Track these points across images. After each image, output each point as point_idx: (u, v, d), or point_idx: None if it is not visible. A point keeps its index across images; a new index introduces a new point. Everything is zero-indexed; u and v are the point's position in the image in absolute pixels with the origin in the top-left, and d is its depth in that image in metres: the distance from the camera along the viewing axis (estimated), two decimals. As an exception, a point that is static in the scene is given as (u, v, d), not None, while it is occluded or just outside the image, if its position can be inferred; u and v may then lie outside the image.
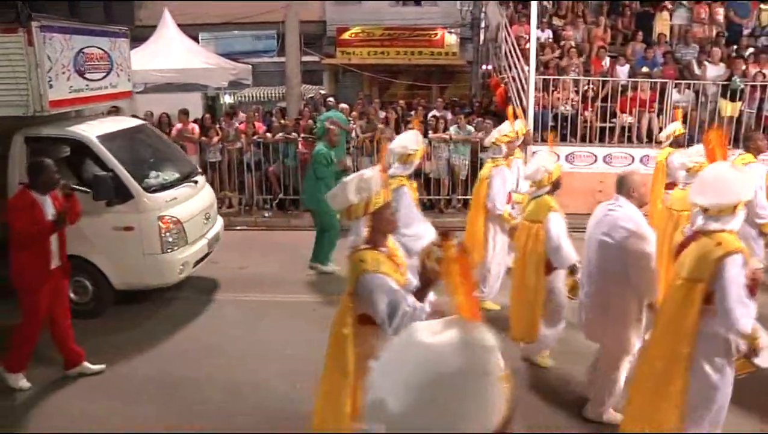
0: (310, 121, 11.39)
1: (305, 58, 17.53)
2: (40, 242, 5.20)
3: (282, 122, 11.88)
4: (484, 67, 17.16)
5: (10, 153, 6.67)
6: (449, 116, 12.15)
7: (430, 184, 11.15)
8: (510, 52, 12.33)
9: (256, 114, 12.40)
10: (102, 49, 7.32)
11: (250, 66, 15.84)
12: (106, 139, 6.84)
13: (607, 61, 12.16)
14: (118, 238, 6.59)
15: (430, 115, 12.21)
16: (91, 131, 6.85)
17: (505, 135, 6.77)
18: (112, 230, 6.56)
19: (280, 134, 11.12)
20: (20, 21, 6.12)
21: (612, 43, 13.31)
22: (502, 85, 12.79)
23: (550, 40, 13.00)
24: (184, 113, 11.37)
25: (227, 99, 18.47)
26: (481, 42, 18.29)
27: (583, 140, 11.07)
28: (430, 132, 11.07)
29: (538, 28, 11.36)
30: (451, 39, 20.04)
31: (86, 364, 5.68)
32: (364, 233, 3.47)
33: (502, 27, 13.31)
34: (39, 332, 5.36)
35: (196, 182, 7.64)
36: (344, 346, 3.43)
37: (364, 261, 3.36)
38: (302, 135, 11.03)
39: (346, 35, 20.26)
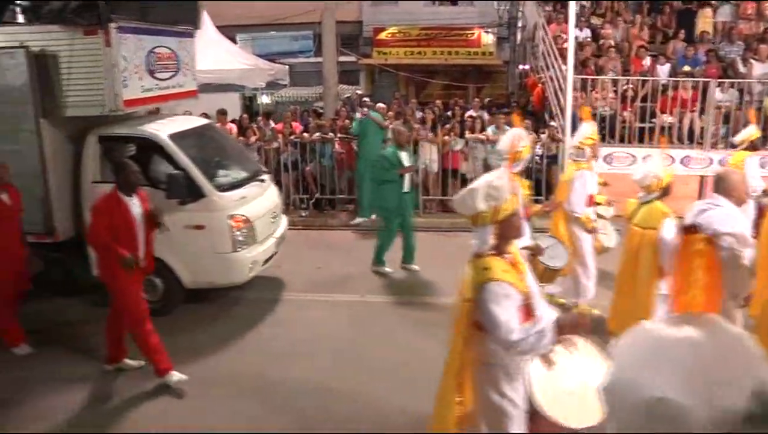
0: (347, 121, 11.45)
1: (342, 59, 17.64)
2: (127, 242, 5.18)
3: (318, 122, 11.97)
4: (521, 67, 17.05)
5: (84, 152, 6.76)
6: (486, 116, 12.10)
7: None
8: (547, 51, 12.23)
9: (293, 114, 12.51)
10: (170, 49, 7.43)
11: (287, 66, 15.98)
12: (177, 138, 6.88)
13: (647, 61, 11.98)
14: (189, 236, 6.60)
15: (466, 115, 12.16)
16: (162, 130, 6.91)
17: (589, 138, 6.60)
18: (183, 229, 6.52)
19: (317, 134, 11.20)
20: (101, 23, 6.23)
21: (652, 42, 13.11)
22: (540, 85, 12.69)
23: (589, 39, 12.86)
24: (222, 113, 11.52)
25: (264, 99, 18.67)
26: (518, 42, 18.17)
27: (621, 140, 10.91)
28: (466, 132, 11.04)
29: (576, 27, 11.23)
30: (488, 39, 19.97)
31: (127, 361, 5.71)
32: (488, 239, 3.31)
33: (540, 26, 13.20)
34: (150, 324, 5.33)
35: (263, 180, 7.62)
36: (460, 351, 3.38)
37: (488, 269, 3.24)
38: (339, 135, 11.09)
39: (382, 35, 20.33)
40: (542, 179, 10.63)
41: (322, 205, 11.35)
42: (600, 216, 6.27)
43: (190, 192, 6.52)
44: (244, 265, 6.80)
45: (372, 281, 7.99)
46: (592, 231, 6.18)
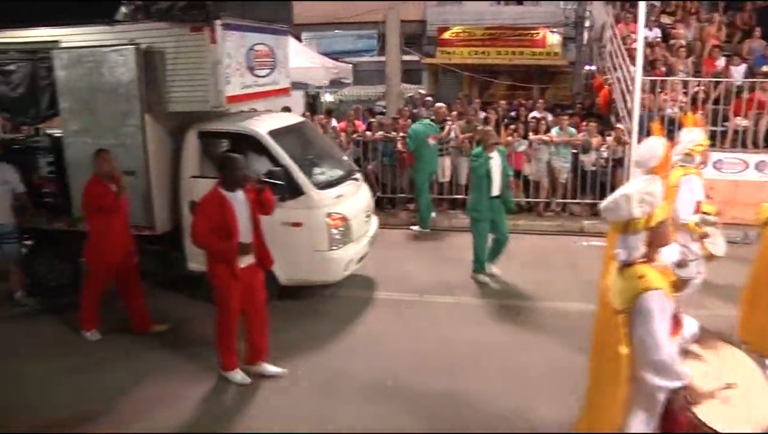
0: (409, 120, 11.48)
1: (405, 58, 17.69)
2: (228, 241, 5.11)
3: (381, 120, 12.04)
4: (587, 67, 16.74)
5: (184, 147, 6.89)
6: (550, 117, 11.94)
7: (529, 186, 11.00)
8: (615, 52, 11.98)
9: (356, 113, 12.63)
10: (268, 47, 7.50)
11: (351, 65, 16.13)
12: (276, 134, 6.92)
13: (721, 61, 11.57)
14: (287, 233, 6.54)
15: (530, 116, 12.04)
16: (261, 126, 6.98)
17: (700, 144, 6.30)
18: (280, 226, 6.42)
19: (380, 133, 11.28)
20: (209, 20, 6.35)
21: (728, 41, 12.63)
22: (606, 86, 12.44)
23: (659, 39, 12.51)
24: (286, 110, 11.72)
25: (328, 97, 18.88)
26: (584, 42, 17.86)
27: (691, 143, 10.57)
28: (530, 134, 10.93)
29: (645, 26, 10.95)
30: (554, 39, 19.69)
31: (265, 365, 5.60)
32: (639, 246, 3.22)
33: (608, 26, 12.94)
34: (236, 328, 5.37)
35: (357, 179, 7.66)
36: (620, 366, 3.21)
37: (644, 277, 3.14)
38: (401, 134, 11.13)
39: (446, 35, 20.31)
40: (607, 182, 10.42)
41: (383, 204, 11.43)
42: (708, 223, 6.01)
43: (290, 189, 6.54)
44: (340, 263, 6.81)
45: (457, 282, 7.87)
46: (701, 238, 5.90)
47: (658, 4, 13.64)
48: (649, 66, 11.31)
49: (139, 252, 6.55)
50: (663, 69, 11.34)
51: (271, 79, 7.64)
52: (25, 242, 7.64)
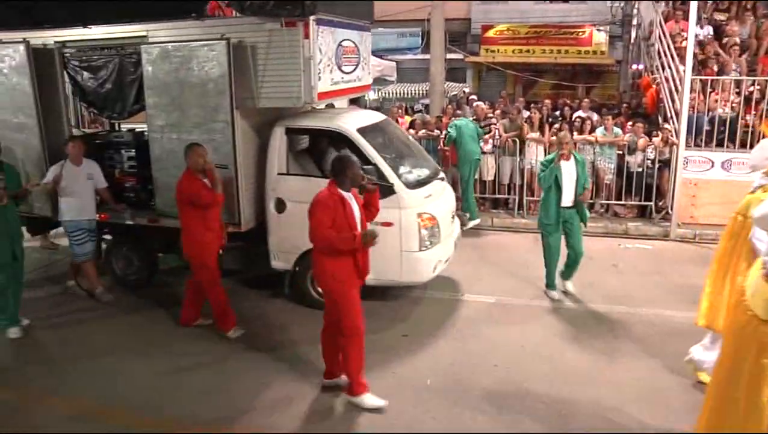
0: (453, 119, 11.46)
1: (449, 56, 17.66)
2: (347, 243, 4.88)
3: (424, 119, 12.04)
4: (634, 66, 16.44)
5: (270, 143, 6.82)
6: (595, 116, 11.78)
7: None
8: (664, 50, 11.74)
9: (399, 110, 12.66)
10: (353, 43, 7.40)
11: (395, 63, 16.16)
12: (363, 132, 6.82)
13: (777, 60, 11.24)
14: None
15: (575, 116, 11.89)
16: (349, 123, 6.88)
17: None
18: (370, 225, 6.04)
19: (423, 131, 11.30)
20: (305, 14, 6.24)
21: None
22: (654, 86, 12.20)
23: (710, 36, 12.21)
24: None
25: (371, 95, 18.95)
26: (631, 40, 17.53)
27: (742, 146, 10.31)
28: (575, 133, 10.80)
29: (696, 24, 10.70)
30: (600, 37, 19.38)
31: (344, 377, 5.26)
32: None
33: (656, 24, 12.68)
34: (361, 342, 5.05)
35: (443, 179, 7.52)
36: (764, 377, 3.19)
37: None
38: (444, 132, 11.12)
39: (490, 33, 20.17)
40: (653, 184, 10.24)
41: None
42: None
43: (380, 188, 6.26)
44: (429, 264, 6.68)
45: (531, 285, 7.69)
46: None
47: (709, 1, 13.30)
48: (700, 65, 11.06)
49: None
50: (714, 68, 11.06)
51: (355, 75, 7.55)
52: (104, 238, 7.79)
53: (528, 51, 19.89)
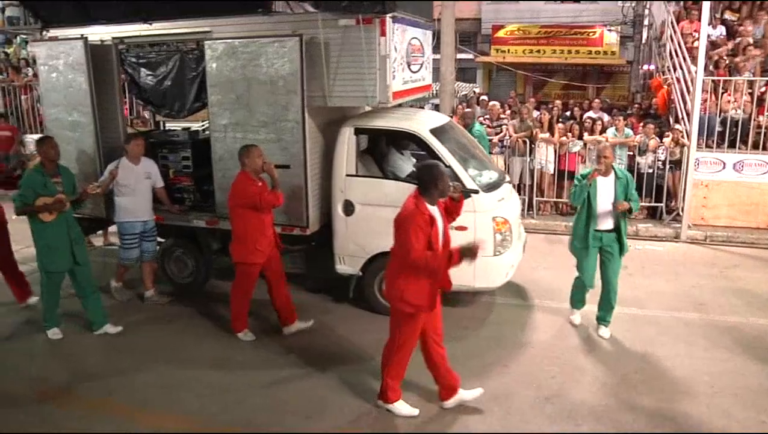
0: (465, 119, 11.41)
1: (459, 56, 17.62)
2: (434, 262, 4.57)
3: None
4: (645, 67, 16.36)
5: (338, 144, 6.55)
6: (606, 117, 11.73)
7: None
8: (675, 51, 11.67)
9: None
10: (419, 41, 7.17)
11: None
12: (436, 133, 6.56)
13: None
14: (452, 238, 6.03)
15: (585, 116, 11.84)
16: (421, 124, 6.64)
17: None
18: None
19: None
20: (385, 11, 6.02)
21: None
22: (665, 86, 12.13)
23: (722, 36, 12.12)
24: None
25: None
26: (643, 40, 17.45)
27: (755, 147, 10.24)
28: (585, 134, 10.76)
29: (709, 24, 10.63)
30: (611, 37, 19.30)
31: (463, 392, 5.03)
32: None
33: (668, 24, 12.61)
34: (409, 355, 4.89)
35: (510, 182, 7.32)
36: None
37: None
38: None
39: (501, 33, 20.13)
40: (664, 185, 10.18)
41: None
42: None
43: None
44: (503, 269, 6.46)
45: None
46: None
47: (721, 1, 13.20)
48: (713, 66, 10.99)
49: (282, 252, 6.43)
50: (725, 69, 10.98)
51: (420, 75, 7.30)
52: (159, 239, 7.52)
53: (538, 51, 19.84)
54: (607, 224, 6.07)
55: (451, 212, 4.82)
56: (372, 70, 6.12)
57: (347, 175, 6.54)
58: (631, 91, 17.44)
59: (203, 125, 8.43)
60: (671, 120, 11.30)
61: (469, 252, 4.44)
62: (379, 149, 7.10)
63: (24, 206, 5.90)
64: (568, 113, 13.00)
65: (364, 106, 7.18)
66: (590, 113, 12.03)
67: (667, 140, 10.27)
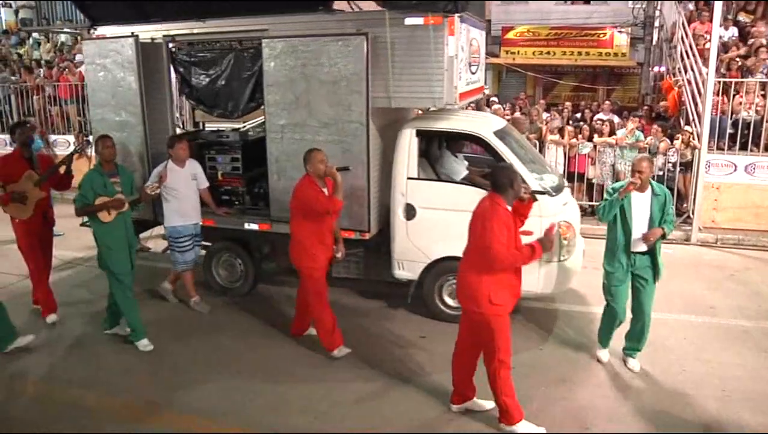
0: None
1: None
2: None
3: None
4: (656, 69, 16.26)
5: (399, 146, 6.37)
6: (616, 119, 11.67)
7: (593, 189, 10.77)
8: (687, 52, 11.59)
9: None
10: (477, 42, 6.99)
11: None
12: (498, 136, 6.40)
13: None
14: None
15: (595, 118, 11.78)
16: (484, 127, 6.49)
17: None
18: None
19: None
20: (458, 10, 5.87)
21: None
22: (676, 88, 12.05)
23: (735, 38, 12.03)
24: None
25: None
26: (653, 42, 17.34)
27: (767, 149, 10.15)
28: (595, 136, 10.71)
29: (721, 26, 10.55)
30: (621, 39, 19.18)
31: (477, 400, 4.96)
32: None
33: (679, 25, 12.53)
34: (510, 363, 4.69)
35: (569, 187, 7.21)
36: None
37: None
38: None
39: (510, 35, 20.06)
40: (674, 187, 10.12)
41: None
42: None
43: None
44: (568, 274, 6.33)
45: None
46: None
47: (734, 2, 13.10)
48: (725, 68, 10.91)
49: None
50: (737, 71, 10.90)
51: (477, 76, 7.12)
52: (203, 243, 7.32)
53: (548, 53, 19.75)
54: (641, 246, 5.40)
55: (519, 214, 4.67)
56: (439, 70, 5.95)
57: (409, 178, 6.37)
58: (642, 93, 17.34)
59: (245, 126, 8.29)
60: (682, 122, 11.23)
61: (548, 242, 4.54)
62: (432, 151, 6.90)
63: (84, 206, 5.81)
64: (578, 115, 12.94)
65: (415, 108, 7.06)
66: (600, 115, 11.98)
67: (677, 142, 10.20)
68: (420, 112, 7.79)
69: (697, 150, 9.88)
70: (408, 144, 6.36)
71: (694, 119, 10.63)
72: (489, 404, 4.89)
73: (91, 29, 7.54)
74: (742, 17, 12.81)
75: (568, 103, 13.49)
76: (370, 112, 6.15)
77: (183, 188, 6.67)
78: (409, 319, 6.72)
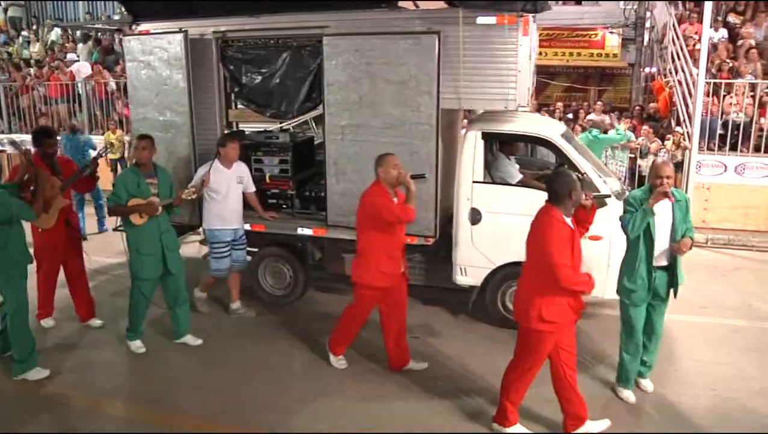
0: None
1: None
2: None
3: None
4: (647, 69, 16.33)
5: (464, 149, 6.15)
6: (607, 119, 11.70)
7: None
8: (677, 54, 11.65)
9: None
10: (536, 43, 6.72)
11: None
12: (565, 138, 6.26)
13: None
14: (583, 247, 4.83)
15: (587, 118, 11.82)
16: (550, 129, 6.36)
17: None
18: None
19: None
20: (536, 9, 5.75)
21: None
22: (667, 89, 12.11)
23: (724, 39, 12.10)
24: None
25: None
26: (644, 43, 17.42)
27: (756, 150, 10.23)
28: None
29: (711, 27, 10.62)
30: (613, 40, 19.23)
31: (590, 422, 4.64)
32: None
33: (670, 27, 12.59)
34: (532, 379, 4.58)
35: (630, 190, 7.03)
36: None
37: None
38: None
39: (502, 35, 20.06)
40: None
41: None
42: None
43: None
44: None
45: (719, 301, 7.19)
46: None
47: (724, 4, 13.18)
48: (715, 69, 10.97)
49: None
50: (728, 72, 10.96)
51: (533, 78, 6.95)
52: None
53: (540, 53, 19.73)
54: (662, 259, 4.92)
55: (582, 222, 4.43)
56: (512, 71, 5.73)
57: (474, 182, 6.16)
58: (633, 93, 17.41)
59: (281, 126, 7.93)
60: (673, 123, 11.28)
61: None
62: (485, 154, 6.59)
63: (116, 207, 5.61)
64: (570, 115, 12.98)
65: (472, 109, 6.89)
66: (592, 115, 12.01)
67: (668, 143, 10.25)
68: (467, 113, 7.62)
69: (687, 151, 9.93)
70: (474, 147, 6.12)
71: (684, 120, 10.69)
72: (605, 423, 4.70)
73: (132, 25, 7.22)
74: (732, 18, 12.89)
75: (559, 104, 13.53)
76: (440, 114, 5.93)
77: (226, 190, 6.33)
78: (472, 328, 6.51)
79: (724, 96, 10.44)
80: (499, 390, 4.66)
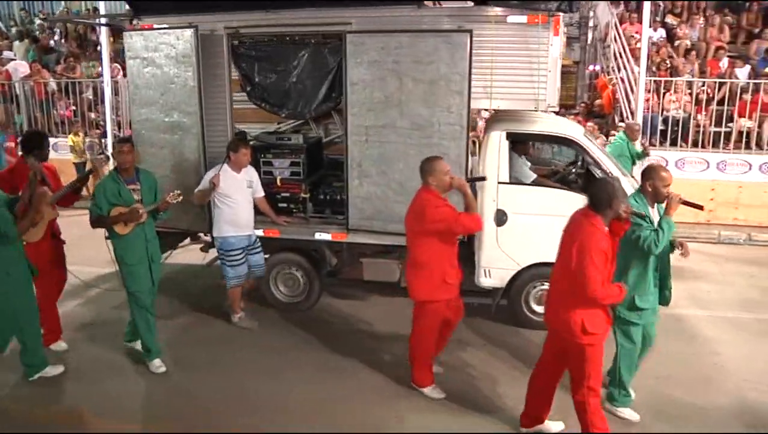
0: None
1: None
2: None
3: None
4: (591, 67, 16.68)
5: (489, 149, 6.00)
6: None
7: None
8: (619, 52, 11.94)
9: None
10: None
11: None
12: (589, 139, 6.17)
13: (725, 62, 11.55)
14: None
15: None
16: (574, 130, 6.29)
17: None
18: None
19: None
20: (570, 9, 5.68)
21: (732, 42, 12.59)
22: (610, 86, 12.40)
23: (663, 39, 12.47)
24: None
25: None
26: (588, 42, 17.78)
27: (695, 145, 10.57)
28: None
29: (650, 27, 10.93)
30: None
31: (547, 422, 4.56)
32: None
33: (612, 26, 12.90)
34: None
35: None
36: None
37: None
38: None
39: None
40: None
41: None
42: None
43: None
44: None
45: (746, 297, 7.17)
46: None
47: (662, 4, 13.59)
48: (655, 67, 11.28)
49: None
50: (666, 71, 11.30)
51: None
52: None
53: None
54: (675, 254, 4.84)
55: (615, 232, 4.15)
56: (543, 71, 5.64)
57: (500, 183, 6.01)
58: (578, 90, 17.74)
59: (279, 127, 7.48)
60: (616, 119, 11.55)
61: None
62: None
63: (98, 217, 5.22)
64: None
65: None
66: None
67: (612, 139, 10.48)
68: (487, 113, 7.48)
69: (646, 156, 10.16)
70: (498, 147, 5.97)
71: (627, 116, 10.96)
72: (556, 426, 4.58)
73: (133, 20, 6.77)
74: (670, 19, 13.30)
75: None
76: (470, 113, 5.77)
77: (237, 195, 6.03)
78: (495, 330, 6.37)
79: (664, 93, 10.74)
80: (579, 422, 4.32)
